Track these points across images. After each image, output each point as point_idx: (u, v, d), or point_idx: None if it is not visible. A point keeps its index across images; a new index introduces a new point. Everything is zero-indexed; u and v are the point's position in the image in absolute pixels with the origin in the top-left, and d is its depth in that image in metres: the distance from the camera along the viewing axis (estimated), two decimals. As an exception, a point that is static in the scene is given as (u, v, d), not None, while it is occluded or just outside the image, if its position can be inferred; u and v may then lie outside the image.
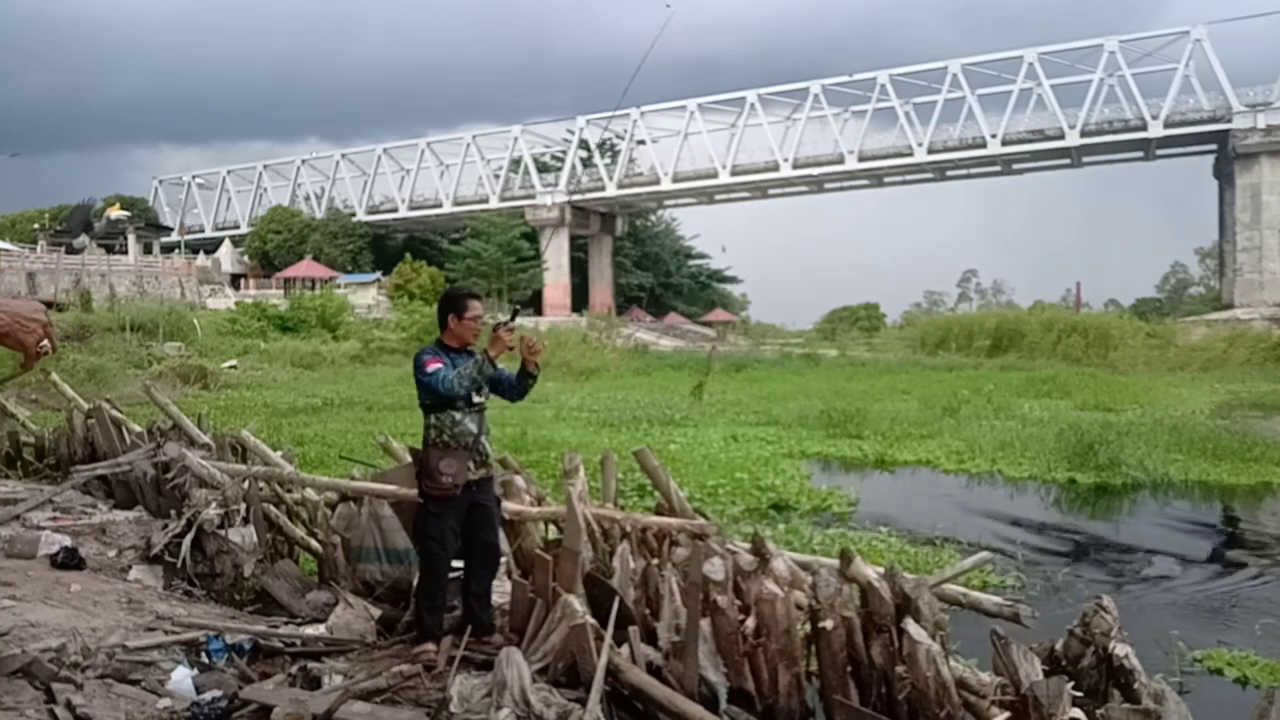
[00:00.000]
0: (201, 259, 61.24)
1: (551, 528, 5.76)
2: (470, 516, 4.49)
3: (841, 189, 71.41)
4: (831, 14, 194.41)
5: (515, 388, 4.59)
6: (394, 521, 5.46)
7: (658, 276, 79.80)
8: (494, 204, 70.96)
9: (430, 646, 4.33)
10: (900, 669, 3.70)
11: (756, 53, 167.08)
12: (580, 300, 70.03)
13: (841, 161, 63.26)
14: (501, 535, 5.62)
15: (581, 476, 5.49)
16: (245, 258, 71.72)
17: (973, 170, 66.04)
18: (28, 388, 17.83)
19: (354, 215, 74.52)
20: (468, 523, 4.49)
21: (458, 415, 4.41)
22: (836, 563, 4.53)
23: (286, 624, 5.09)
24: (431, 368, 4.34)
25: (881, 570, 4.20)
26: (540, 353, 4.50)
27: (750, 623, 4.02)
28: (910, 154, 61.58)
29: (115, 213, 62.87)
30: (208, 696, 3.90)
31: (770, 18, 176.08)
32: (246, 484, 6.40)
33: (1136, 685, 3.53)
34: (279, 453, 7.45)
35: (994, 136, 59.00)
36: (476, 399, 4.44)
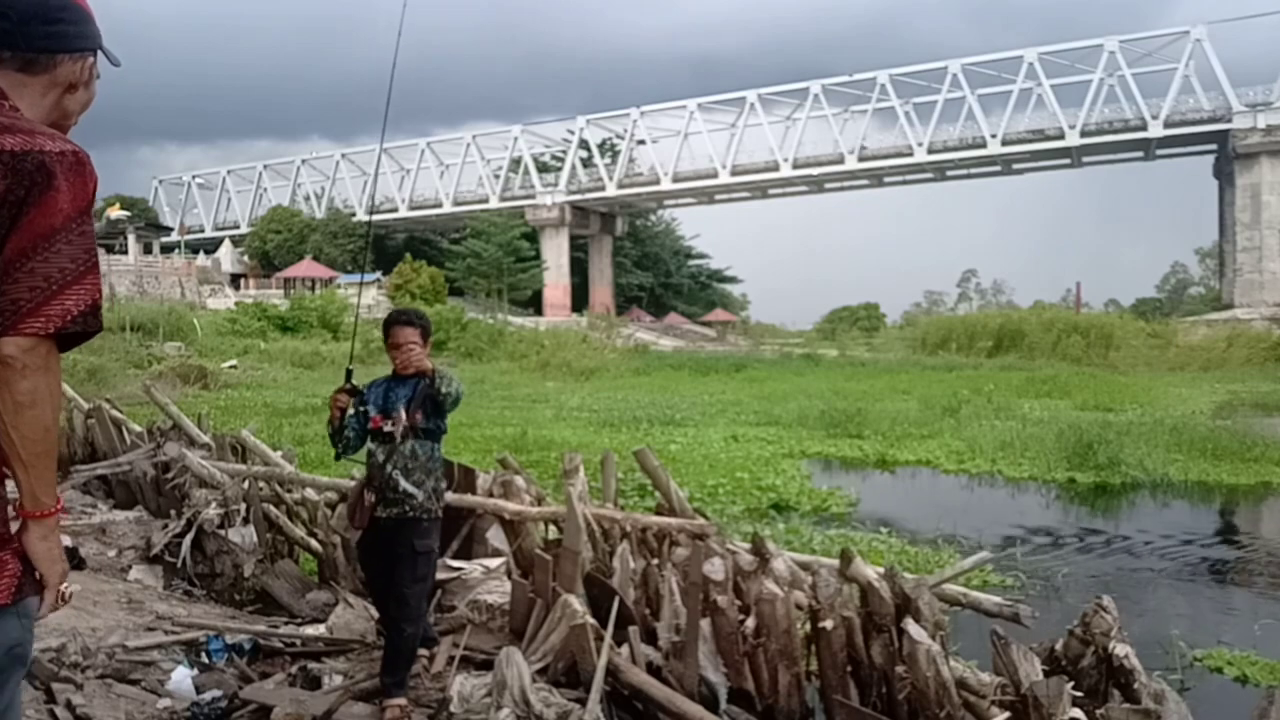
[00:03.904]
0: (201, 259, 61.25)
1: (551, 528, 5.76)
2: (389, 556, 3.92)
3: (841, 189, 71.40)
4: (841, 12, 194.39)
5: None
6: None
7: (658, 276, 79.82)
8: (494, 204, 70.97)
9: (396, 702, 3.78)
10: (900, 669, 3.70)
11: (764, 51, 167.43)
12: (580, 300, 70.04)
13: (841, 161, 63.25)
14: (502, 537, 5.63)
15: (581, 476, 5.48)
16: (245, 258, 71.71)
17: (973, 170, 66.02)
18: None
19: (354, 215, 74.55)
20: (387, 563, 3.93)
21: (373, 446, 3.97)
22: (836, 563, 4.53)
23: (286, 624, 5.09)
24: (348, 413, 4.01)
25: (881, 570, 4.20)
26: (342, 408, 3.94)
27: (750, 623, 4.02)
28: (910, 154, 61.56)
29: (115, 212, 62.80)
30: (208, 696, 3.90)
31: (778, 16, 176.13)
32: (246, 484, 6.40)
33: (1136, 685, 3.53)
34: (279, 453, 7.45)
35: (994, 136, 58.99)
36: (387, 429, 3.88)
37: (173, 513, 6.56)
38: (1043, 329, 42.45)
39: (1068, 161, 62.04)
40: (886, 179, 67.48)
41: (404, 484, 3.86)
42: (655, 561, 4.76)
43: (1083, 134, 56.89)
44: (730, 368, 35.61)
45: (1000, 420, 18.05)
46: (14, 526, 1.68)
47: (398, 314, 4.04)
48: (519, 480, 5.82)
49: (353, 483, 5.94)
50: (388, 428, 3.90)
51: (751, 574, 4.25)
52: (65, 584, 1.74)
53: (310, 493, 6.57)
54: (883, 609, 3.88)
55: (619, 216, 74.98)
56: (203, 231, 79.20)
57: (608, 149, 71.72)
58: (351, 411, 4.01)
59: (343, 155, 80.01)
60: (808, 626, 4.10)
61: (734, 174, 66.69)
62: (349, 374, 3.98)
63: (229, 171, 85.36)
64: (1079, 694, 3.54)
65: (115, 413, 8.91)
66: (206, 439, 7.80)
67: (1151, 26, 70.72)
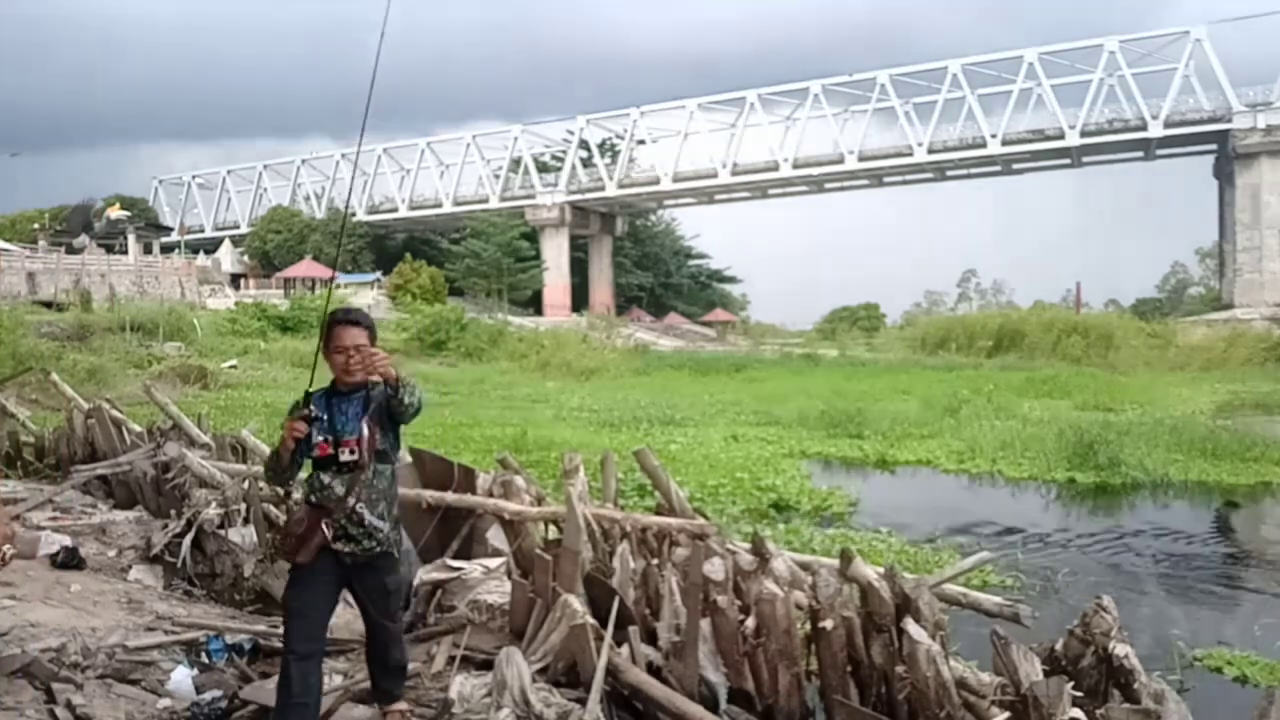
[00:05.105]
0: (201, 259, 61.24)
1: (551, 528, 5.76)
2: (356, 592, 3.64)
3: (841, 189, 71.43)
4: (841, 12, 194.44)
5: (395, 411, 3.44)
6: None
7: (658, 276, 79.80)
8: (494, 204, 70.97)
9: (397, 708, 3.69)
10: (900, 669, 3.70)
11: (764, 51, 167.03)
12: (580, 300, 70.02)
13: (841, 161, 63.26)
14: (502, 537, 5.62)
15: (581, 476, 5.49)
16: (245, 258, 71.74)
17: (973, 170, 66.02)
18: (28, 387, 17.83)
19: (354, 215, 74.50)
20: (357, 598, 3.68)
21: (325, 476, 3.43)
22: (836, 563, 4.53)
23: (286, 624, 5.09)
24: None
25: (881, 570, 4.20)
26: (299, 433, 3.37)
27: (750, 623, 4.02)
28: (910, 154, 61.56)
29: (115, 212, 62.84)
30: (208, 696, 3.90)
31: (779, 16, 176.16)
32: (246, 484, 6.40)
33: (1136, 685, 3.53)
34: (279, 453, 7.44)
35: (994, 136, 58.98)
36: (346, 456, 3.39)
37: (173, 513, 6.56)
38: (1043, 329, 42.41)
39: (1068, 161, 62.04)
40: (886, 179, 67.47)
41: (369, 517, 3.43)
42: (655, 561, 4.76)
43: (1083, 134, 56.88)
44: (730, 368, 35.60)
45: (1000, 420, 18.04)
46: None
47: (343, 312, 3.57)
48: (519, 480, 5.83)
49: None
50: (346, 455, 3.39)
51: (751, 574, 4.26)
52: (7, 546, 1.72)
53: (310, 493, 6.56)
54: (883, 609, 3.88)
55: (619, 216, 74.96)
56: (203, 231, 79.17)
57: (608, 149, 71.71)
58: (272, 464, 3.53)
59: (343, 155, 79.84)
60: (808, 626, 4.10)
61: (734, 174, 66.67)
62: (307, 398, 3.40)
63: (229, 171, 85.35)
64: (1079, 694, 3.53)
65: (115, 413, 8.91)
66: (206, 439, 7.80)
67: (1151, 26, 70.48)
